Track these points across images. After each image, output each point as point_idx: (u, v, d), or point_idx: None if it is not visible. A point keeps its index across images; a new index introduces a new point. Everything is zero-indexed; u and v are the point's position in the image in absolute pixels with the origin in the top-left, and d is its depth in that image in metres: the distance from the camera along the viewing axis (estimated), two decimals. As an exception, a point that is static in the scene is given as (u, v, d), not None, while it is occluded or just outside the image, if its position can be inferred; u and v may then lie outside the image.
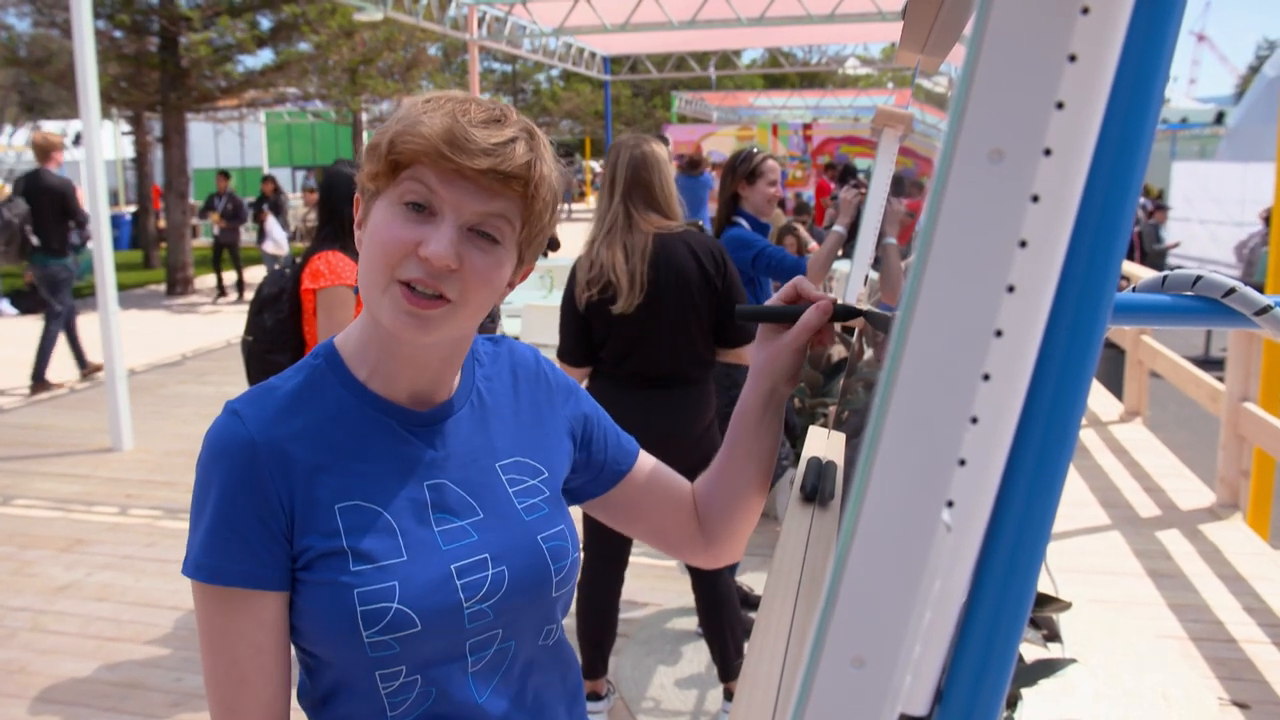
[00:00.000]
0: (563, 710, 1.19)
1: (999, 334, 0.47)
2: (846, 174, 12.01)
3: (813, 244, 6.71)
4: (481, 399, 1.17)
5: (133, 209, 22.48)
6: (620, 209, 3.00)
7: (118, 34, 14.74)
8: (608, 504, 1.29)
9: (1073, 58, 0.45)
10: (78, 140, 18.12)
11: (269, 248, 13.59)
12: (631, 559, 4.47)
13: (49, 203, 8.57)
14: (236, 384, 3.47)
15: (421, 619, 1.02)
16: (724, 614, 3.26)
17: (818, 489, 1.14)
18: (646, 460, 1.31)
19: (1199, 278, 0.79)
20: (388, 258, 0.99)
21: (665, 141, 3.19)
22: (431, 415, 1.10)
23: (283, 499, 1.01)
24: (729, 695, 3.36)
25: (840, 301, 1.10)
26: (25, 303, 13.62)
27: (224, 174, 14.98)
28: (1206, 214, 18.97)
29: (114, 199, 26.90)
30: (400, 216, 1.00)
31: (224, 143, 32.48)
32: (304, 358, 1.12)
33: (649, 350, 3.06)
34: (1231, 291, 0.78)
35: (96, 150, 6.67)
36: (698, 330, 3.05)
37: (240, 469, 1.01)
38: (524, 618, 1.11)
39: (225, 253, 14.64)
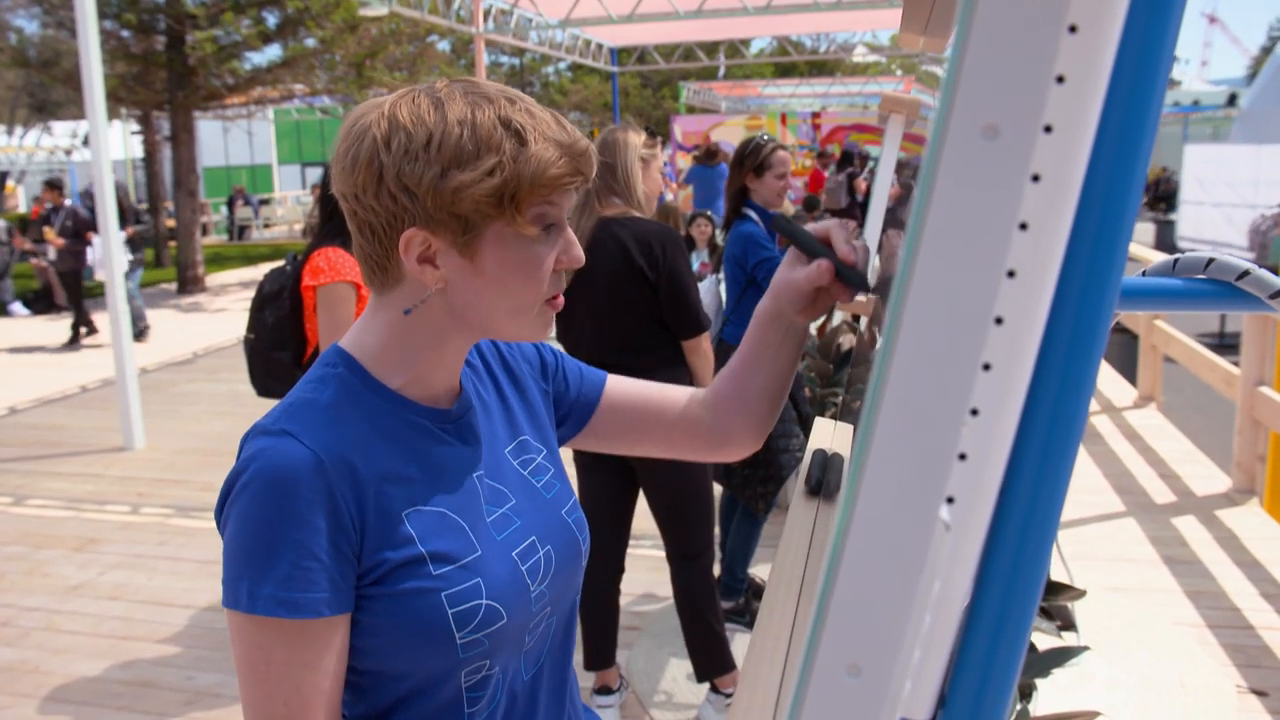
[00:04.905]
0: (571, 670, 1.22)
1: (999, 321, 0.45)
2: (846, 159, 11.88)
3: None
4: (477, 389, 1.17)
5: (143, 208, 22.54)
6: (587, 190, 3.05)
7: (125, 33, 14.77)
8: (596, 435, 1.30)
9: (1073, 28, 0.42)
10: (86, 141, 18.02)
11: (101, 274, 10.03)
12: (643, 552, 4.46)
13: None
14: (247, 382, 3.46)
15: (507, 610, 1.03)
16: (693, 613, 3.24)
17: (822, 482, 1.11)
18: (620, 383, 1.31)
19: (1211, 260, 0.77)
20: (542, 284, 1.02)
21: (651, 133, 3.15)
22: (453, 411, 1.10)
23: (354, 516, 0.98)
24: (714, 687, 3.35)
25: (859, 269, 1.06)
26: (38, 304, 13.68)
27: (53, 184, 11.49)
28: (1220, 197, 18.83)
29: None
30: (540, 243, 1.01)
31: (233, 140, 32.52)
32: (317, 366, 1.09)
33: (576, 335, 3.13)
34: (1245, 274, 0.75)
35: (103, 150, 6.68)
36: (630, 320, 3.04)
37: (312, 492, 0.96)
38: (565, 591, 1.14)
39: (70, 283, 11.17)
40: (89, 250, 10.87)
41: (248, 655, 0.96)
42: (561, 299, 1.06)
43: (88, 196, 11.41)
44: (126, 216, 11.06)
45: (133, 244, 10.86)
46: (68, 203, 11.34)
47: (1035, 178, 0.43)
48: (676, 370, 3.08)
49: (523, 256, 1.00)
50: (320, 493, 0.96)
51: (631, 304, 3.02)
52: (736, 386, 1.23)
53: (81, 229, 11.04)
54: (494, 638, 1.02)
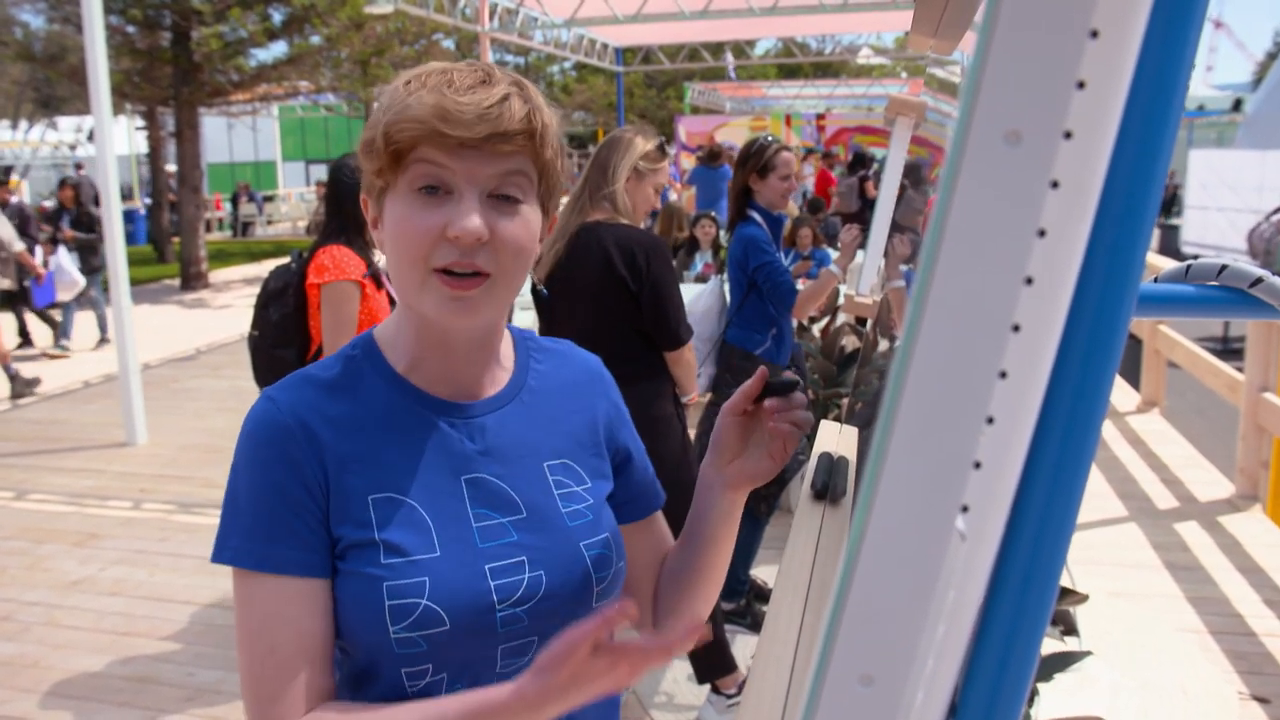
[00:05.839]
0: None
1: (1016, 329, 0.44)
2: (858, 162, 11.80)
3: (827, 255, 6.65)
4: (534, 396, 1.14)
5: (147, 203, 22.55)
6: (581, 187, 2.99)
7: (130, 29, 14.78)
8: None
9: (1094, 34, 0.42)
10: (91, 136, 17.86)
11: (62, 294, 9.98)
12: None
13: None
14: (250, 378, 3.46)
15: (451, 618, 0.99)
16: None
17: (828, 486, 1.11)
18: (658, 524, 1.27)
19: (1224, 267, 0.76)
20: (417, 249, 0.98)
21: (663, 148, 3.06)
22: (473, 408, 1.08)
23: (319, 482, 1.00)
24: (715, 689, 3.33)
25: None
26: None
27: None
28: (1224, 202, 18.81)
29: (128, 194, 27.01)
30: (418, 204, 0.98)
31: (237, 137, 32.55)
32: (342, 348, 1.10)
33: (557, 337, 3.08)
34: (1259, 281, 0.75)
35: (108, 145, 6.68)
36: (610, 328, 2.94)
37: (276, 452, 0.99)
38: (562, 625, 1.05)
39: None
40: (53, 255, 10.01)
41: (237, 607, 1.00)
42: (464, 281, 0.99)
43: (62, 185, 10.77)
44: (82, 221, 10.37)
45: (82, 251, 10.26)
46: (13, 200, 10.44)
47: (1054, 184, 0.43)
48: (659, 381, 3.01)
49: (398, 215, 1.00)
50: (283, 454, 1.00)
51: (611, 312, 2.92)
52: (673, 564, 1.21)
53: (26, 227, 9.94)
54: (433, 642, 0.99)
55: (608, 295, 2.91)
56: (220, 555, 1.00)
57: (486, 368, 1.10)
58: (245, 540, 0.98)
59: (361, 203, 1.07)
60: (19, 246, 8.22)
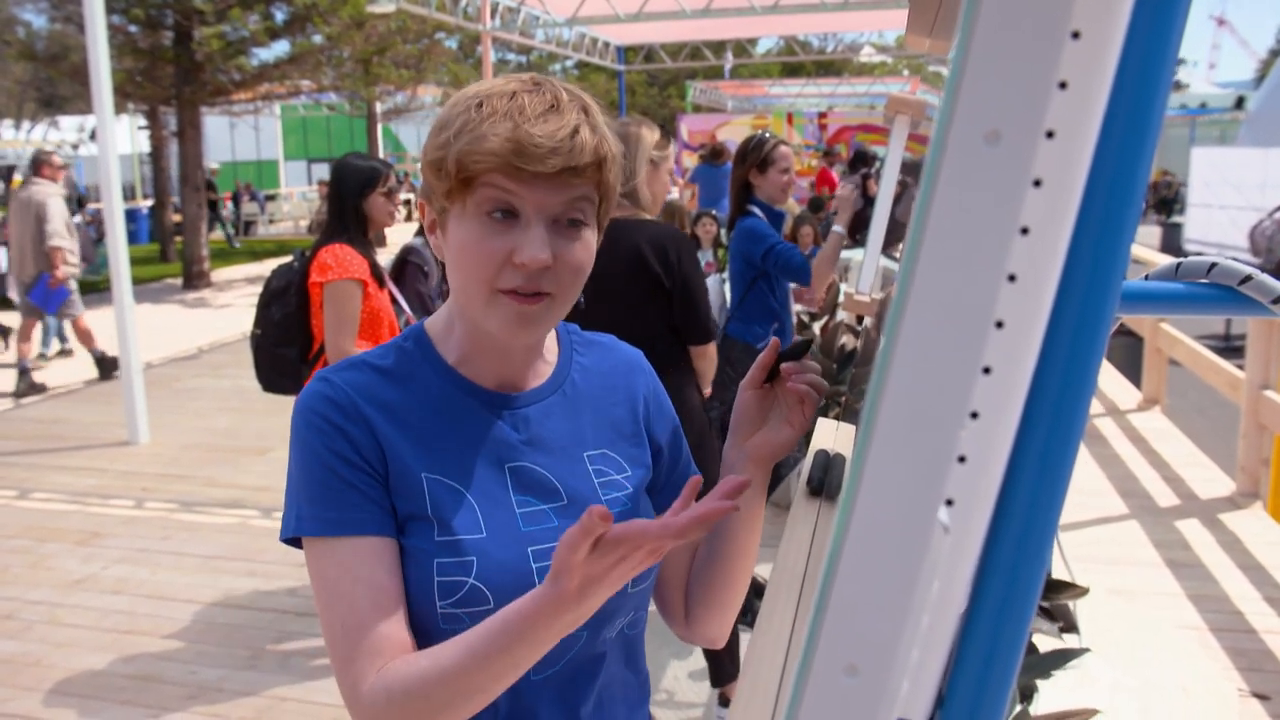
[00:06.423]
0: (623, 711, 1.17)
1: (1000, 325, 0.45)
2: (858, 160, 11.76)
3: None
4: (576, 388, 1.18)
5: (149, 203, 22.55)
6: None
7: (132, 28, 14.78)
8: None
9: (1076, 34, 0.42)
10: (93, 135, 17.76)
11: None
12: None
13: None
14: (252, 377, 3.47)
15: (495, 597, 1.02)
16: None
17: (824, 482, 1.12)
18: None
19: (1214, 265, 0.77)
20: (484, 271, 1.01)
21: (665, 132, 3.07)
22: (517, 399, 1.12)
23: (376, 454, 1.04)
24: (723, 701, 3.33)
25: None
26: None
27: None
28: (1226, 200, 18.79)
29: (130, 193, 27.00)
30: (485, 228, 1.01)
31: (239, 136, 32.62)
32: (393, 339, 1.14)
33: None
34: (1248, 279, 0.75)
35: (110, 144, 6.69)
36: (641, 325, 2.92)
37: (333, 424, 1.03)
38: (597, 609, 1.10)
39: None
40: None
41: (312, 578, 1.02)
42: (533, 299, 1.02)
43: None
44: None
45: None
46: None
47: (1037, 183, 0.44)
48: (683, 374, 3.05)
49: (465, 237, 1.02)
50: (340, 425, 1.03)
51: (642, 309, 2.94)
52: (703, 548, 1.21)
53: None
54: (477, 619, 1.00)
55: (635, 291, 2.94)
56: (288, 530, 1.04)
57: (531, 363, 1.15)
58: (310, 508, 1.02)
59: (419, 206, 1.11)
60: (56, 242, 8.16)
